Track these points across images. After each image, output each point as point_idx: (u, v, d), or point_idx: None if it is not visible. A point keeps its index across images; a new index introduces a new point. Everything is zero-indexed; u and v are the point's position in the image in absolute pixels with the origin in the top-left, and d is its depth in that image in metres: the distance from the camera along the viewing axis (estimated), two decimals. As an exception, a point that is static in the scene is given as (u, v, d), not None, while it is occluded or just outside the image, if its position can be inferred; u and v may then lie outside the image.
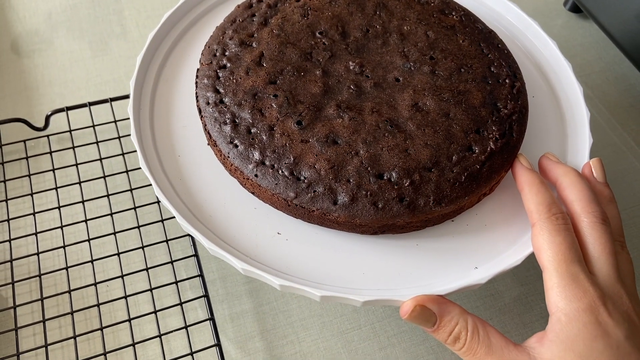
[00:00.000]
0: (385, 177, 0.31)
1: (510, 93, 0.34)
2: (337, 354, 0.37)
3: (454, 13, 0.38)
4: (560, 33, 0.56)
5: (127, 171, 0.41)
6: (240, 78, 0.34)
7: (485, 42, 0.37)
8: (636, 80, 0.53)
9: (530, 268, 0.41)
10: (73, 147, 0.42)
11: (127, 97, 0.44)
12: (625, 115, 0.50)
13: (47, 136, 0.42)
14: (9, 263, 0.36)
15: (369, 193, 0.30)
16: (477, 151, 0.32)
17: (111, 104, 0.44)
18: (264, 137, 0.32)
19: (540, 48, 0.40)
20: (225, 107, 0.33)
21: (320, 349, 0.37)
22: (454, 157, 0.31)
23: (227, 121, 0.33)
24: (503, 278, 0.40)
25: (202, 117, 0.34)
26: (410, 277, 0.31)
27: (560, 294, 0.26)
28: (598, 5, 0.50)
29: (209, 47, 0.36)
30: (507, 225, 0.33)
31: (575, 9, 0.57)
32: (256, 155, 0.31)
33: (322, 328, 0.38)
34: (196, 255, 0.37)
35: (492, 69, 0.35)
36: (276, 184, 0.31)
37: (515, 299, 0.39)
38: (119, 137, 0.42)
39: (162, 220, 0.39)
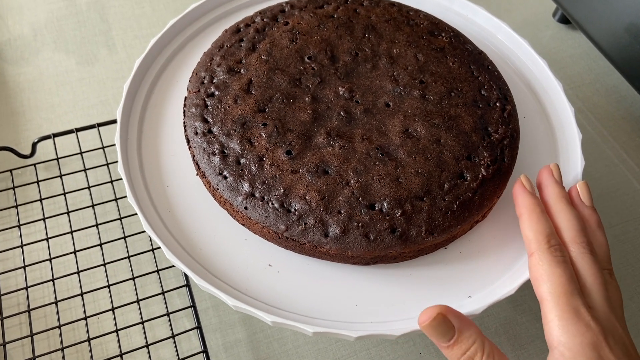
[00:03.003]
0: (376, 208, 0.30)
1: (501, 117, 0.34)
2: (333, 381, 0.36)
3: (443, 34, 0.38)
4: (550, 44, 0.56)
5: (116, 199, 0.40)
6: (228, 106, 0.34)
7: (475, 64, 0.36)
8: (627, 92, 0.53)
9: (524, 288, 0.40)
10: (60, 176, 0.41)
11: (114, 121, 0.44)
12: (617, 127, 0.50)
13: (34, 164, 0.42)
14: (-3, 298, 0.36)
15: (360, 225, 0.30)
16: (468, 178, 0.32)
17: (98, 130, 0.43)
18: (254, 168, 0.31)
19: (531, 67, 0.40)
20: (214, 137, 0.33)
21: (315, 376, 0.36)
22: (445, 185, 0.31)
23: (216, 152, 0.32)
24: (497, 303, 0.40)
25: (190, 147, 0.33)
26: (403, 307, 0.30)
27: (561, 327, 0.26)
28: (587, 18, 0.49)
29: (196, 74, 0.36)
30: (500, 252, 0.32)
31: (565, 20, 0.57)
32: (246, 186, 0.31)
33: (317, 355, 0.37)
34: (188, 285, 0.37)
35: (483, 92, 0.35)
36: (266, 216, 0.30)
37: (510, 319, 0.39)
38: (107, 164, 0.42)
39: (152, 250, 0.38)
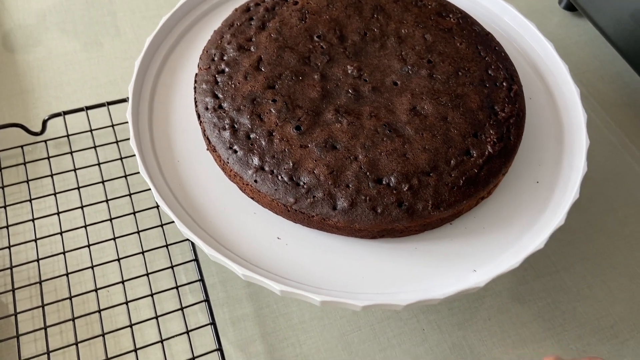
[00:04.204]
0: (384, 182, 0.31)
1: (508, 96, 0.35)
2: (338, 356, 0.37)
3: (451, 15, 0.38)
4: (556, 31, 0.56)
5: (125, 176, 0.41)
6: (238, 83, 0.34)
7: (482, 44, 0.37)
8: (631, 79, 0.53)
9: (527, 268, 0.41)
10: (71, 152, 0.41)
11: (124, 100, 0.44)
12: (621, 113, 0.51)
13: (45, 141, 0.42)
14: (9, 270, 0.36)
15: (368, 198, 0.30)
16: (475, 155, 0.32)
17: (108, 108, 0.43)
18: (263, 143, 0.32)
19: (537, 49, 0.40)
20: (224, 112, 0.33)
21: (320, 351, 0.37)
22: (452, 161, 0.32)
23: (226, 126, 0.33)
24: (501, 278, 0.40)
25: (201, 122, 0.34)
26: (409, 280, 0.31)
27: None
28: (592, 4, 0.50)
29: (207, 51, 0.36)
30: (505, 228, 0.33)
31: (570, 8, 0.57)
32: (255, 160, 0.32)
33: (322, 330, 0.38)
34: (196, 259, 0.37)
35: (490, 72, 0.36)
36: (275, 189, 0.31)
37: (513, 298, 0.40)
38: (116, 142, 0.42)
39: (161, 225, 0.39)
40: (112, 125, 0.43)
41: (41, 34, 0.51)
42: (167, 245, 0.38)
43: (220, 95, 0.34)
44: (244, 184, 0.32)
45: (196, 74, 0.35)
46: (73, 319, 0.35)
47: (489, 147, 0.32)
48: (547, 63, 0.40)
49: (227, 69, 0.35)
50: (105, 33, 0.52)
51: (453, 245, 0.32)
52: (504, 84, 0.35)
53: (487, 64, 0.36)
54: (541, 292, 0.40)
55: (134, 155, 0.42)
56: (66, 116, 0.43)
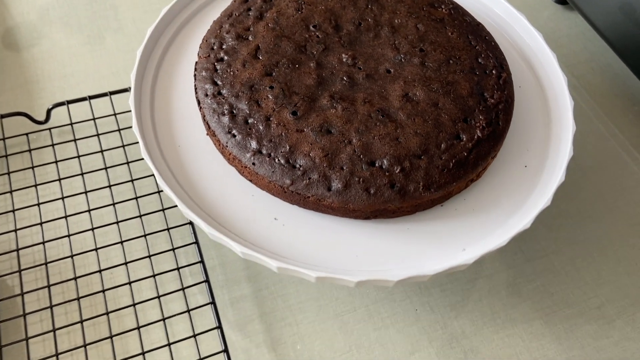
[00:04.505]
0: (377, 165, 0.32)
1: (497, 83, 0.36)
2: (334, 335, 0.38)
3: (443, 6, 0.40)
4: (547, 24, 0.57)
5: (127, 162, 0.42)
6: (237, 70, 0.35)
7: (473, 34, 0.38)
8: (620, 70, 0.54)
9: (517, 252, 0.42)
10: (74, 140, 0.43)
11: (125, 90, 0.45)
12: (610, 104, 0.52)
13: (49, 129, 0.43)
14: (15, 252, 0.38)
15: (361, 179, 0.32)
16: (464, 139, 0.33)
17: (110, 98, 0.45)
18: (261, 127, 0.33)
19: (527, 40, 0.42)
20: (223, 99, 0.34)
21: (317, 330, 0.38)
22: (442, 145, 0.33)
23: (225, 112, 0.34)
24: (492, 262, 0.42)
25: (200, 108, 0.35)
26: (401, 258, 0.32)
27: None
28: (583, -3, 0.51)
29: (206, 40, 0.37)
30: (493, 209, 0.34)
31: (562, 1, 0.58)
32: (253, 144, 0.33)
33: (318, 311, 0.39)
34: (197, 242, 0.39)
35: (480, 61, 0.37)
36: (273, 171, 0.32)
37: (504, 281, 0.41)
38: (119, 130, 0.44)
39: (162, 210, 0.40)
40: (115, 114, 0.44)
41: (45, 28, 0.52)
42: (168, 229, 0.39)
43: (219, 82, 0.35)
44: (242, 166, 0.33)
45: (196, 62, 0.37)
46: (78, 299, 0.36)
47: (478, 131, 0.34)
48: (536, 53, 0.41)
49: (226, 57, 0.36)
50: (108, 26, 0.53)
51: (443, 225, 0.34)
52: (494, 71, 0.36)
53: (478, 52, 0.37)
54: (531, 275, 0.41)
55: (136, 142, 0.43)
56: (70, 105, 0.44)
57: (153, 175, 0.42)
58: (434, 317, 0.39)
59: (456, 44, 0.37)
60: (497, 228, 0.33)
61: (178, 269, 0.38)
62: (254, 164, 0.33)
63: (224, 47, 0.37)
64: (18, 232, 0.39)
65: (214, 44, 0.37)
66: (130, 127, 0.44)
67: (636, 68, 0.47)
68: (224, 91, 0.35)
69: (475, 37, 0.38)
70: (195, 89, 0.36)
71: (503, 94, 0.36)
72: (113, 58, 0.51)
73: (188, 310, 0.36)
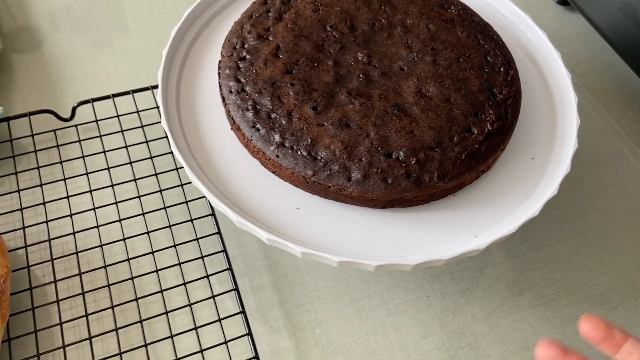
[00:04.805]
0: (393, 156, 0.34)
1: (505, 80, 0.38)
2: (350, 321, 0.40)
3: (452, 7, 0.42)
4: (550, 25, 0.59)
5: (151, 157, 0.44)
6: (259, 68, 0.37)
7: (481, 34, 0.40)
8: (620, 69, 0.56)
9: (524, 241, 0.44)
10: (100, 136, 0.45)
11: (147, 89, 0.47)
12: (610, 101, 0.54)
13: (75, 126, 0.45)
14: (47, 242, 0.39)
15: (379, 170, 0.34)
16: (475, 132, 0.35)
17: (133, 96, 0.47)
18: (284, 122, 0.35)
19: (532, 39, 0.44)
20: (247, 95, 0.36)
21: (334, 316, 0.40)
22: (455, 137, 0.35)
23: (249, 107, 0.36)
24: (499, 251, 0.44)
25: (225, 104, 0.37)
26: (416, 245, 0.34)
27: None
28: (585, -1, 0.53)
29: (229, 40, 0.39)
30: (503, 199, 0.36)
31: (564, 2, 0.60)
32: (277, 137, 0.35)
33: (335, 298, 0.41)
34: (219, 232, 0.41)
35: (488, 59, 0.39)
36: (296, 163, 0.34)
37: (511, 269, 0.43)
38: (142, 126, 0.45)
39: (186, 202, 0.42)
40: (137, 111, 0.46)
41: (65, 29, 0.54)
42: (191, 220, 0.41)
43: (242, 80, 0.37)
44: (266, 159, 0.35)
45: (219, 61, 0.39)
46: (108, 286, 0.38)
47: (488, 125, 0.36)
48: (540, 51, 0.43)
49: (248, 56, 0.38)
50: (127, 28, 0.55)
51: (456, 214, 0.36)
52: (502, 69, 0.38)
53: (486, 51, 0.39)
54: (537, 263, 0.43)
55: (158, 138, 0.45)
56: (94, 103, 0.46)
57: (175, 169, 0.44)
58: (445, 304, 0.41)
59: (466, 43, 0.39)
60: (506, 216, 0.35)
61: (202, 257, 0.40)
62: (277, 156, 0.34)
63: (245, 46, 0.39)
64: (49, 223, 0.40)
65: (236, 43, 0.39)
66: (152, 123, 0.46)
67: (636, 66, 0.49)
68: (247, 88, 0.37)
69: (484, 36, 0.40)
70: (220, 86, 0.38)
71: (511, 90, 0.38)
72: (132, 58, 0.53)
73: (213, 297, 0.38)
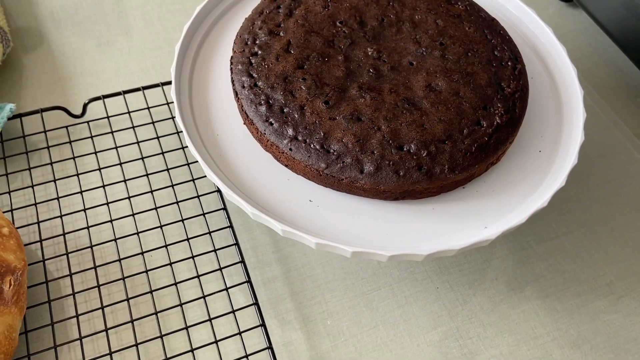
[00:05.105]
0: (405, 149, 0.35)
1: (513, 74, 0.39)
2: (360, 312, 0.41)
3: (459, 3, 0.42)
4: (552, 20, 0.60)
5: (162, 153, 0.44)
6: (271, 64, 0.38)
7: (488, 29, 0.41)
8: (623, 64, 0.57)
9: (530, 234, 0.45)
10: (112, 132, 0.45)
11: (157, 85, 0.48)
12: (614, 95, 0.55)
13: (87, 122, 0.46)
14: (62, 237, 0.40)
15: (391, 163, 0.34)
16: (485, 125, 0.36)
17: (143, 92, 0.47)
18: (296, 116, 0.36)
19: (537, 34, 0.44)
20: (260, 90, 0.37)
21: (344, 308, 0.41)
22: (464, 130, 0.36)
23: (262, 102, 0.36)
24: (506, 243, 0.45)
25: (238, 99, 0.38)
26: (427, 236, 0.35)
27: None
28: (587, -5, 0.54)
29: (240, 36, 0.40)
30: (512, 191, 0.37)
31: (566, -1, 0.61)
32: (290, 131, 0.35)
33: (345, 290, 0.42)
34: (231, 226, 0.41)
35: (496, 53, 0.40)
36: (309, 156, 0.35)
37: (518, 260, 0.44)
38: (152, 122, 0.46)
39: (197, 197, 0.43)
40: (148, 108, 0.47)
41: (74, 27, 0.55)
42: (203, 214, 0.42)
43: (255, 75, 0.38)
44: (279, 152, 0.36)
45: (231, 57, 0.39)
46: (123, 279, 0.38)
47: (497, 118, 0.36)
48: (546, 46, 0.44)
49: (259, 52, 0.39)
50: (135, 25, 0.56)
51: (466, 205, 0.36)
52: (509, 63, 0.39)
53: (494, 45, 0.40)
54: (543, 254, 0.44)
55: (169, 134, 0.46)
56: (105, 100, 0.47)
57: (187, 164, 0.44)
58: (453, 295, 0.42)
59: (473, 37, 0.40)
60: (515, 207, 0.36)
61: (215, 250, 0.40)
62: (290, 149, 0.35)
63: (257, 42, 0.39)
64: (63, 217, 0.41)
65: (247, 39, 0.39)
66: (163, 119, 0.46)
67: (638, 61, 0.50)
68: (259, 83, 0.37)
69: (491, 31, 0.41)
70: (232, 81, 0.38)
71: (519, 84, 0.38)
72: (140, 55, 0.53)
73: (226, 289, 0.39)
